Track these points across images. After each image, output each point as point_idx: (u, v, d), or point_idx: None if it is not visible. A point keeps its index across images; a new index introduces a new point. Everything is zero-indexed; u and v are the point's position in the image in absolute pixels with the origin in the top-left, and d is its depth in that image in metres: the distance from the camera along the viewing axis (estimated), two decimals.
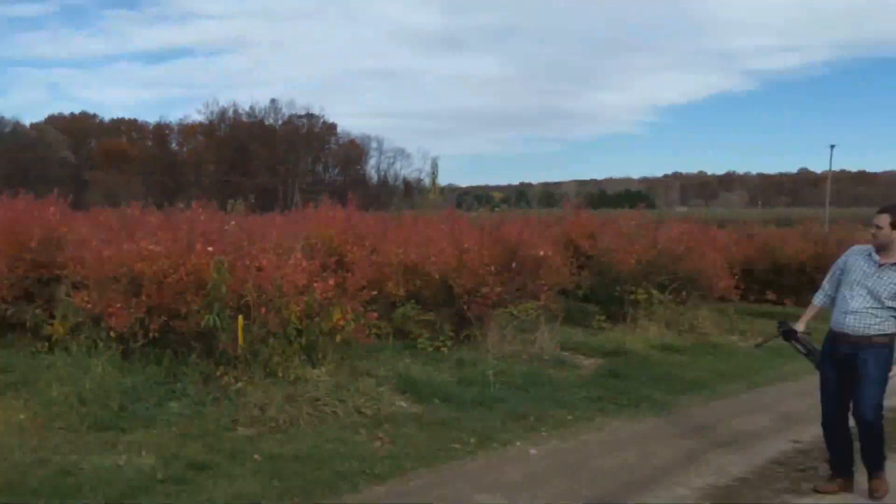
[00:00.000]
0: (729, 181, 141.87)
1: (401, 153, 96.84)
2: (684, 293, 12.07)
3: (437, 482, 5.06)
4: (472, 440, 5.92)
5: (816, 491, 5.19)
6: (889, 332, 4.96)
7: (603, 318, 11.59)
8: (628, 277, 11.74)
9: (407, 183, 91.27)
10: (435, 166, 55.09)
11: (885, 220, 4.96)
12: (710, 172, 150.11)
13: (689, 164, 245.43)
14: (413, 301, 9.25)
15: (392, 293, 9.13)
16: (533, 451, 5.85)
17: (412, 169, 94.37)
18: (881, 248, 5.01)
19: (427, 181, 56.71)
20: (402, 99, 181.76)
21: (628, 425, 6.79)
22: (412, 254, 9.49)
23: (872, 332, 4.95)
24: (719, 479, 5.41)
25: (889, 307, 4.93)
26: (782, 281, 15.63)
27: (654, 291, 11.65)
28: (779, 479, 5.46)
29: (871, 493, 5.00)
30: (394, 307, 9.19)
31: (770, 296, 15.56)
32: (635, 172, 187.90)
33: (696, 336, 11.72)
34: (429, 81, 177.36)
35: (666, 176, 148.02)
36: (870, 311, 4.95)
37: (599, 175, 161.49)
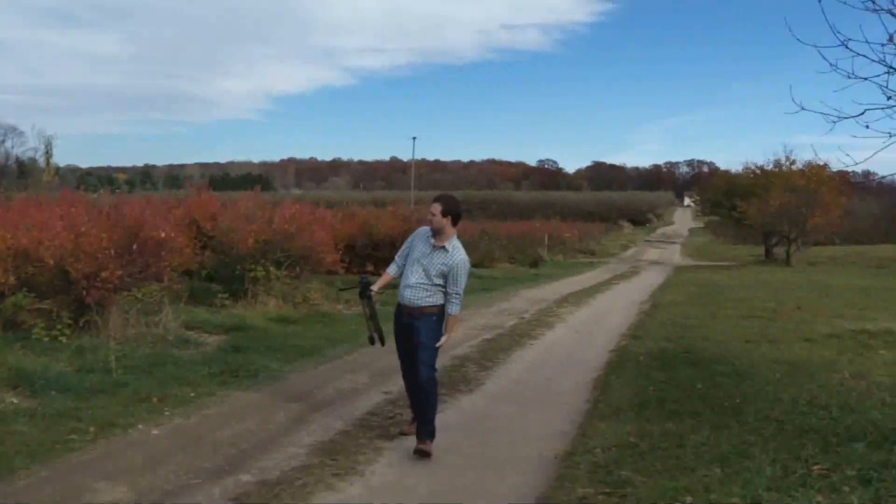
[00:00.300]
0: (336, 166, 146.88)
1: (12, 131, 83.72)
2: (298, 268, 12.23)
3: (51, 477, 4.45)
4: (92, 429, 5.32)
5: (401, 433, 5.56)
6: (438, 303, 5.24)
7: (226, 295, 11.27)
8: (248, 256, 11.56)
9: (20, 163, 79.09)
10: (50, 145, 47.65)
11: (437, 208, 5.21)
12: (320, 158, 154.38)
13: (303, 150, 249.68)
14: (26, 289, 8.09)
15: (0, 282, 7.91)
16: (155, 432, 5.46)
17: (26, 148, 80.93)
18: (436, 232, 5.26)
19: (42, 161, 49.25)
20: (11, 73, 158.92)
21: (248, 396, 6.66)
22: (23, 238, 8.25)
23: (424, 304, 5.23)
24: (325, 434, 5.54)
25: (436, 283, 5.22)
26: (378, 254, 16.54)
27: (272, 268, 11.63)
28: (373, 427, 5.77)
29: (416, 453, 5.08)
30: (3, 297, 7.98)
31: (369, 268, 16.38)
32: (256, 157, 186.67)
33: (308, 307, 11.95)
34: (43, 56, 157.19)
35: (283, 160, 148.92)
36: (422, 285, 5.22)
37: (223, 158, 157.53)
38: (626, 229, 61.85)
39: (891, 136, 5.26)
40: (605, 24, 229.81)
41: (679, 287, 19.08)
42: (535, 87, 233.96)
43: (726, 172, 46.71)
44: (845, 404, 6.20)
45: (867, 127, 5.21)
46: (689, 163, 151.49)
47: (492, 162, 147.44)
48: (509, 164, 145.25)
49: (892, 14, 4.86)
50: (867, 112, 5.15)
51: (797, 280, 22.11)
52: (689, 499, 4.18)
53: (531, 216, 54.65)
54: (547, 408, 6.67)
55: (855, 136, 5.70)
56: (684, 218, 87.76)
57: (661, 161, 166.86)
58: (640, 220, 78.91)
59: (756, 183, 35.02)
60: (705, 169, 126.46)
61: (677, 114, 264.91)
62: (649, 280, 21.99)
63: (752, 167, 38.49)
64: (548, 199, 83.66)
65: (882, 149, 5.31)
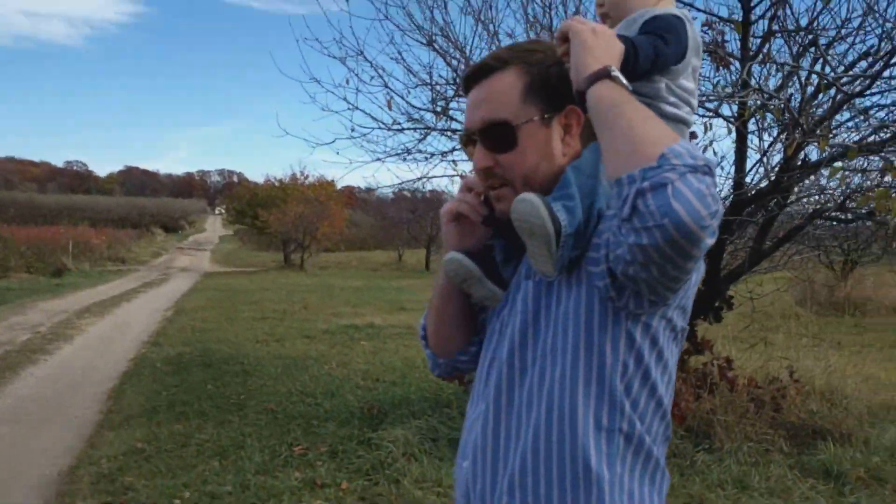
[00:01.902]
0: None
1: None
2: None
3: None
4: None
5: None
6: None
7: None
8: None
9: None
10: None
11: None
12: None
13: None
14: None
15: None
16: None
17: None
18: None
19: None
20: None
21: None
22: None
23: None
24: None
25: None
26: None
27: None
28: None
29: None
30: None
31: None
32: None
33: None
34: None
35: None
36: None
37: None
38: (159, 236, 59.01)
39: (352, 163, 6.15)
40: (136, 26, 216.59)
41: (204, 293, 19.07)
42: (62, 82, 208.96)
43: (252, 183, 47.89)
44: (328, 391, 7.05)
45: (338, 153, 6.01)
46: (221, 172, 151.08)
47: (11, 160, 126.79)
48: (32, 163, 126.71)
49: (342, 62, 5.68)
50: (337, 140, 5.93)
51: (308, 283, 23.91)
52: (187, 493, 4.36)
53: (57, 221, 48.65)
54: (56, 424, 6.17)
55: (325, 161, 6.59)
56: (215, 225, 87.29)
57: (193, 169, 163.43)
58: (173, 226, 76.08)
59: (276, 194, 36.74)
60: (235, 179, 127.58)
61: (209, 123, 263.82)
62: (177, 287, 21.49)
63: (273, 180, 40.32)
64: (76, 203, 75.28)
65: (346, 173, 6.21)
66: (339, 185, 37.98)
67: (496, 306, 1.50)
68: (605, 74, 1.23)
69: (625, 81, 1.24)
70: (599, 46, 1.26)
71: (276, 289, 20.52)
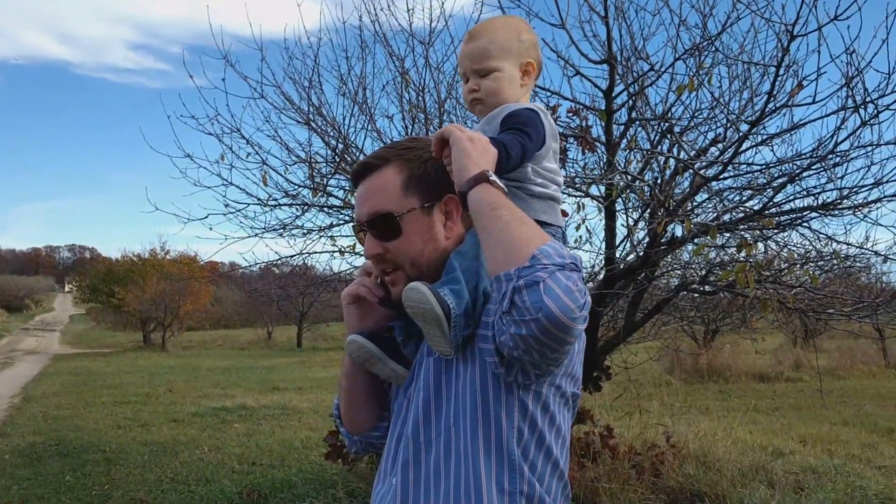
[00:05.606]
0: None
1: None
2: None
3: None
4: None
5: None
6: None
7: None
8: None
9: None
10: None
11: None
12: None
13: None
14: None
15: None
16: None
17: None
18: None
19: None
20: None
21: None
22: None
23: None
24: None
25: None
26: None
27: None
28: None
29: None
30: None
31: None
32: None
33: None
34: None
35: None
36: None
37: None
38: (1, 317, 53.99)
39: (227, 238, 5.99)
40: None
41: (56, 377, 17.56)
42: None
43: (106, 259, 45.14)
44: (202, 477, 6.67)
45: (210, 228, 5.83)
46: (71, 248, 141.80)
47: None
48: None
49: (219, 139, 5.63)
50: (210, 216, 5.78)
51: (172, 364, 22.64)
52: None
53: None
54: None
55: (199, 237, 6.34)
56: (65, 304, 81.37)
57: (40, 245, 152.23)
58: (16, 306, 70.07)
59: (134, 270, 34.84)
60: (87, 255, 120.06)
61: (58, 196, 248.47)
62: (24, 371, 19.64)
63: (131, 255, 38.24)
64: None
65: (222, 248, 6.02)
66: (203, 261, 36.40)
67: (402, 384, 1.56)
68: (483, 179, 1.36)
69: (501, 184, 1.37)
70: (477, 152, 1.39)
71: (136, 371, 19.26)
